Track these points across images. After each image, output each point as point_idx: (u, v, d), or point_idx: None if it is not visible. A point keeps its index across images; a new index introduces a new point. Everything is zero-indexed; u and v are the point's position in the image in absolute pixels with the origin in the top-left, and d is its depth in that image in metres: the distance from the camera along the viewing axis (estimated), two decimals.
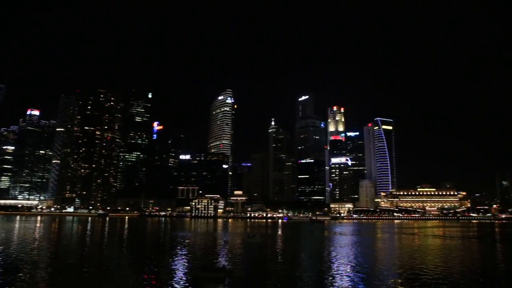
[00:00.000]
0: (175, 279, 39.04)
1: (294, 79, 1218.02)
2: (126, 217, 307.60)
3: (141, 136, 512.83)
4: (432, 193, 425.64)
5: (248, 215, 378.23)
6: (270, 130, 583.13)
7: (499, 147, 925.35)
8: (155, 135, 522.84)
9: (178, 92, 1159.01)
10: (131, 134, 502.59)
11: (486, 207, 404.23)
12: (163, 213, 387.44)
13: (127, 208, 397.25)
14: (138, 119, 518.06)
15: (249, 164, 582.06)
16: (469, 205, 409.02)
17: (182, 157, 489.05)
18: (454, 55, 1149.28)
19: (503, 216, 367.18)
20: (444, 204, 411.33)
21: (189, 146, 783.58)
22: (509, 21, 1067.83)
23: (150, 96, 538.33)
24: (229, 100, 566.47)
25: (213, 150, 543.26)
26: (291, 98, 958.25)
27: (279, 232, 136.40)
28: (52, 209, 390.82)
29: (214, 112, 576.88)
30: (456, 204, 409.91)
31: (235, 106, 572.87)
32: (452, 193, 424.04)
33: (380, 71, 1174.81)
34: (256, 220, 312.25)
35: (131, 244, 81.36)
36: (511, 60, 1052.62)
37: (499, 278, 42.12)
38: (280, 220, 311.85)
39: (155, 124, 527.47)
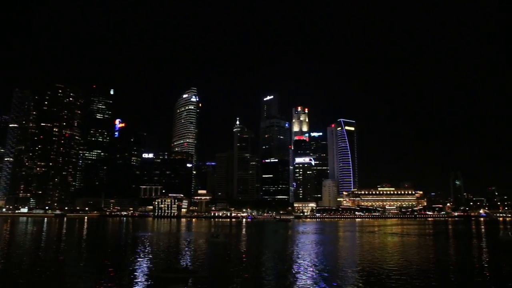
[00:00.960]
0: (136, 280, 37.99)
1: (260, 79, 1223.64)
2: (86, 218, 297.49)
3: (102, 134, 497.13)
4: (392, 192, 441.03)
5: (212, 214, 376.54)
6: (234, 129, 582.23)
7: (454, 149, 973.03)
8: (117, 133, 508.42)
9: (141, 90, 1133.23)
10: (92, 132, 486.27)
11: (441, 206, 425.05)
12: (125, 213, 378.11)
13: (87, 208, 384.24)
14: (99, 116, 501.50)
15: (213, 163, 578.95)
16: (425, 204, 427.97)
17: (145, 155, 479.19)
18: (416, 56, 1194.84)
19: (456, 213, 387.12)
20: (403, 203, 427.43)
21: (152, 145, 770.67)
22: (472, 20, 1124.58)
23: (112, 92, 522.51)
24: (193, 99, 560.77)
25: (177, 149, 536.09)
26: (256, 98, 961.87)
27: (243, 232, 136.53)
28: (4, 209, 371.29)
29: (178, 111, 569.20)
30: (414, 203, 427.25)
31: (200, 105, 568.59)
32: (410, 192, 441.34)
33: (344, 72, 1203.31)
34: (220, 220, 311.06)
35: (90, 246, 78.55)
36: (469, 63, 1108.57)
37: (450, 271, 44.10)
38: (244, 220, 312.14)
39: (117, 121, 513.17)
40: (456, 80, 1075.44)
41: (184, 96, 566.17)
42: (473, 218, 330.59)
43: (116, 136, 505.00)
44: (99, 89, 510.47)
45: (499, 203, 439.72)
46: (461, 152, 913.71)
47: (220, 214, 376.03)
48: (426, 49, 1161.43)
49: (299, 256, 58.07)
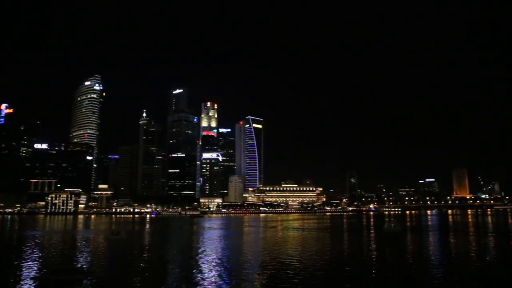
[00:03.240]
0: (20, 285, 33.86)
1: (169, 71, 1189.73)
2: None
3: None
4: (294, 188, 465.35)
5: (114, 210, 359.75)
6: (141, 122, 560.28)
7: (350, 148, 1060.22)
8: (2, 120, 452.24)
9: (34, 72, 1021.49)
10: None
11: (338, 201, 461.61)
12: (10, 210, 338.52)
13: None
14: None
15: (116, 157, 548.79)
16: (324, 200, 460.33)
17: (37, 146, 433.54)
18: (325, 56, 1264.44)
19: (350, 208, 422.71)
20: (304, 199, 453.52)
21: (47, 135, 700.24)
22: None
23: None
24: (97, 87, 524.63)
25: (76, 140, 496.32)
26: (164, 90, 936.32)
27: (147, 228, 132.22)
28: None
29: (79, 99, 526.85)
30: (314, 199, 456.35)
31: (104, 94, 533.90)
32: (311, 189, 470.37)
33: (254, 70, 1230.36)
34: (123, 216, 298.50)
35: None
36: (375, 67, 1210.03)
37: (343, 260, 47.63)
38: (148, 215, 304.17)
39: (3, 106, 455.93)
40: (360, 84, 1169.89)
41: (86, 83, 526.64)
42: (364, 212, 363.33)
43: (1, 123, 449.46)
44: None
45: (385, 199, 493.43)
46: (357, 152, 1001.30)
47: (123, 210, 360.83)
48: (335, 51, 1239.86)
49: (204, 251, 57.71)
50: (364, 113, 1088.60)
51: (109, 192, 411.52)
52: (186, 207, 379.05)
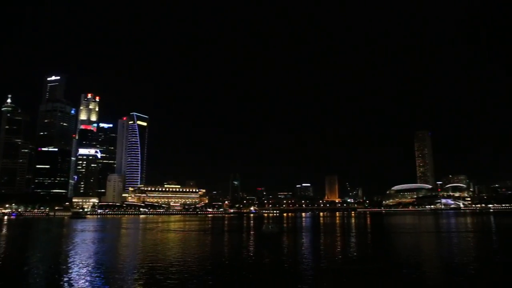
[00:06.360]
0: None
1: (44, 53, 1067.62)
2: None
3: None
4: (177, 189, 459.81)
5: None
6: (4, 109, 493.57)
7: (233, 151, 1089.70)
8: None
9: None
10: None
11: (220, 203, 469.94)
12: None
13: None
14: None
15: None
16: (207, 201, 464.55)
17: None
18: (213, 56, 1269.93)
19: (232, 210, 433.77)
20: (187, 200, 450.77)
21: None
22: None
23: None
24: None
25: None
26: (37, 76, 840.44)
27: (4, 232, 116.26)
28: None
29: None
30: (197, 200, 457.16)
31: None
32: (194, 190, 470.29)
33: (139, 67, 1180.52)
34: None
35: None
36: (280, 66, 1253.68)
37: (222, 262, 48.26)
38: (6, 217, 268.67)
39: None
40: (241, 85, 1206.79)
41: None
42: (245, 214, 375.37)
43: None
44: None
45: (265, 201, 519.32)
46: (240, 155, 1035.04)
47: None
48: (224, 50, 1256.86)
49: (75, 256, 52.59)
50: (247, 116, 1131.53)
51: None
52: (56, 208, 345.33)
